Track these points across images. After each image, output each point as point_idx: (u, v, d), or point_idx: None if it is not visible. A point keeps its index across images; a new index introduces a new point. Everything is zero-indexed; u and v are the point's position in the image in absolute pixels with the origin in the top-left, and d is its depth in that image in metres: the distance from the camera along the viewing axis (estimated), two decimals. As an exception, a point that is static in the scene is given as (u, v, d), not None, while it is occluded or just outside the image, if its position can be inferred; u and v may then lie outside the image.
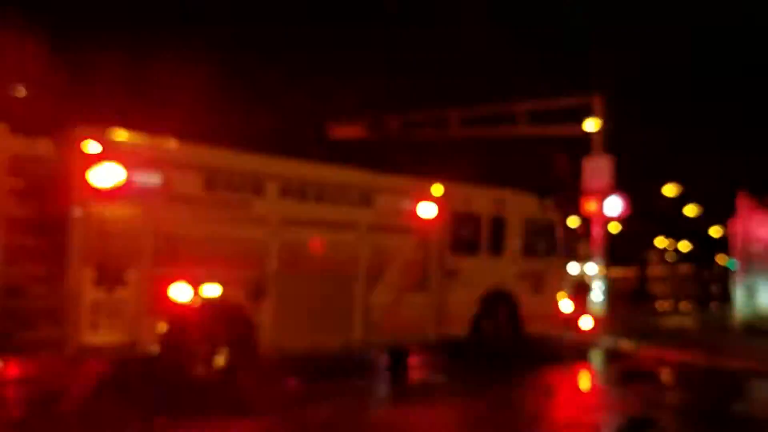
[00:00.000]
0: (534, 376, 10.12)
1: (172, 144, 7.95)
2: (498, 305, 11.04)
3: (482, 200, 11.17)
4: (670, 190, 30.54)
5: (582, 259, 15.63)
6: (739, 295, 15.42)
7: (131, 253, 7.25)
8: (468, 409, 7.96)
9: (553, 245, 12.07)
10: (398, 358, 10.55)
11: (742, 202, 15.24)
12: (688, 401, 8.97)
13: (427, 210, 10.12)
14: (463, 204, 10.76)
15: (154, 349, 7.36)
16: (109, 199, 7.05)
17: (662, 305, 26.62)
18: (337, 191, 9.24)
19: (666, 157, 27.68)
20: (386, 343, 10.12)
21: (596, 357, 12.87)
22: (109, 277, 7.10)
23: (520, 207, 11.63)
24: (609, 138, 18.89)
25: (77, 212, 6.85)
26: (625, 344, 13.57)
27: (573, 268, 13.92)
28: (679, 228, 48.79)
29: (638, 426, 6.92)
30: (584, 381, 10.96)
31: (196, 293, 7.71)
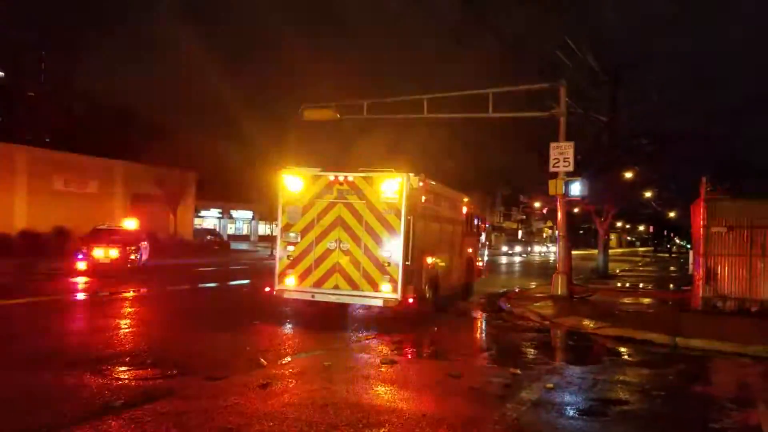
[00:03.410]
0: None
1: (429, 181, 13.22)
2: (470, 264, 18.14)
3: (467, 200, 17.52)
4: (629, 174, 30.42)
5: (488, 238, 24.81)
6: (699, 276, 15.30)
7: (418, 243, 12.49)
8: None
9: (478, 228, 19.26)
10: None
11: (704, 187, 15.09)
12: (649, 381, 8.69)
13: (464, 209, 17.09)
14: (465, 205, 17.28)
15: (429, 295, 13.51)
16: (421, 213, 12.79)
17: (622, 285, 26.57)
18: (448, 200, 15.29)
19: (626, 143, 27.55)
20: (454, 291, 16.36)
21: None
22: (416, 255, 12.38)
23: (473, 206, 18.36)
24: (573, 123, 18.81)
25: (407, 219, 12.05)
26: (587, 323, 13.36)
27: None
28: (638, 210, 49.26)
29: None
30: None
31: (432, 261, 13.57)
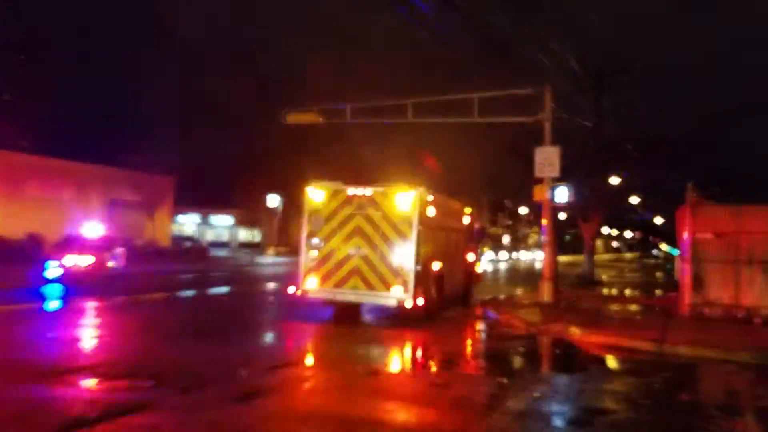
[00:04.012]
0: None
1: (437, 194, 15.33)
2: (471, 269, 19.54)
3: (469, 211, 19.30)
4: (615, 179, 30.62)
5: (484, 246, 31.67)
6: (685, 282, 15.37)
7: (427, 250, 14.07)
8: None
9: (478, 235, 20.56)
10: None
11: (690, 193, 15.18)
12: (636, 389, 8.69)
13: (467, 219, 18.87)
14: (467, 215, 19.00)
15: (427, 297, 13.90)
16: (429, 224, 14.24)
17: (608, 291, 26.69)
18: (452, 211, 17.23)
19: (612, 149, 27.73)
20: (456, 293, 17.34)
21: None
22: (425, 261, 14.01)
23: (473, 216, 19.87)
24: (559, 128, 18.87)
25: (418, 229, 13.62)
26: (574, 330, 13.37)
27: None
28: (624, 216, 49.71)
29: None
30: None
31: (439, 266, 14.91)
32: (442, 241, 15.70)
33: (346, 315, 14.66)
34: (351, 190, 14.16)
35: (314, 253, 14.13)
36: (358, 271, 13.76)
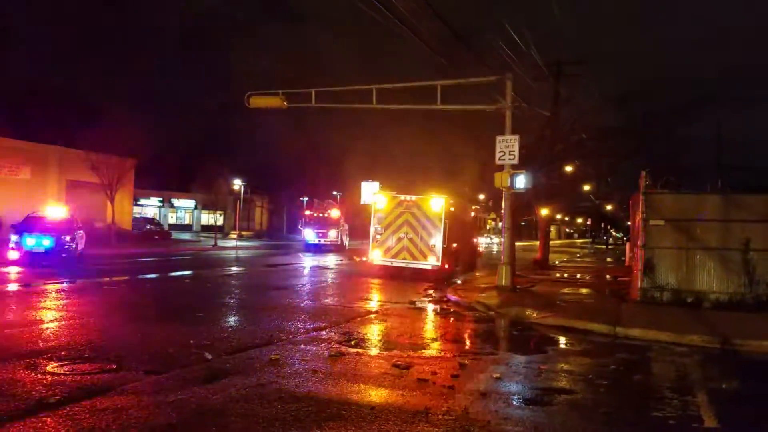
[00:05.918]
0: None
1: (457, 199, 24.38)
2: (475, 248, 28.22)
3: (475, 207, 25.65)
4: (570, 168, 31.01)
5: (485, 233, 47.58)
6: (637, 267, 15.68)
7: (449, 235, 21.61)
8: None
9: (480, 224, 26.58)
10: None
11: (644, 181, 15.44)
12: (591, 370, 8.84)
13: (472, 213, 27.16)
14: (473, 210, 26.74)
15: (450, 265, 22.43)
16: (451, 219, 22.13)
17: (562, 276, 27.12)
18: (464, 208, 25.42)
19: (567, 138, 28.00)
20: (466, 263, 25.33)
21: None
22: (448, 242, 21.55)
23: (477, 210, 25.37)
24: (518, 117, 18.97)
25: (444, 223, 21.54)
26: (531, 313, 13.55)
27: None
28: (577, 203, 50.51)
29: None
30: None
31: (455, 245, 22.94)
32: (458, 229, 22.75)
33: (391, 274, 21.53)
34: (402, 197, 21.80)
35: (378, 236, 21.83)
36: (406, 248, 21.43)
